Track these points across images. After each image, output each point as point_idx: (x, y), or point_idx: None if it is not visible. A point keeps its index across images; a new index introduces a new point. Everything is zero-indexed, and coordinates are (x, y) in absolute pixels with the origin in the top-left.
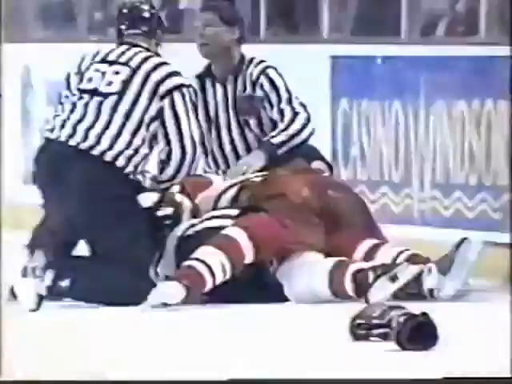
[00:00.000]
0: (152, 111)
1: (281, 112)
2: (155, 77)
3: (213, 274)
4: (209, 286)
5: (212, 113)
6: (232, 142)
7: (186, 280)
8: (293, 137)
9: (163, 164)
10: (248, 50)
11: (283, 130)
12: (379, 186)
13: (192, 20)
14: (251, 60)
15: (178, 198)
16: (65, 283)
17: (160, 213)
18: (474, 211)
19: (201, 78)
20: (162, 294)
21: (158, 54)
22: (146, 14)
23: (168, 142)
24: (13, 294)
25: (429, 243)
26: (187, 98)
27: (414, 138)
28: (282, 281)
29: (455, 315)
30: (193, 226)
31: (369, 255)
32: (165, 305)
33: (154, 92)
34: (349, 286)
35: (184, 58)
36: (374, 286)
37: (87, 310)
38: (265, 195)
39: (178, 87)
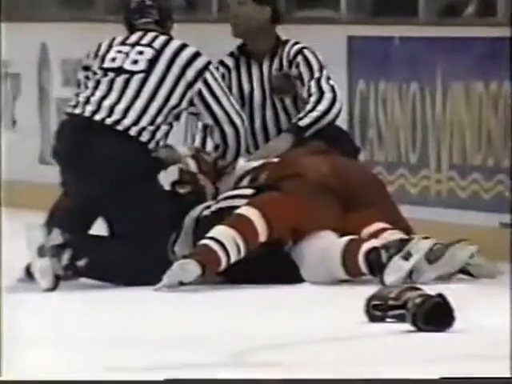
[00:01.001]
0: (178, 94)
1: (308, 90)
2: (180, 60)
3: (227, 253)
4: (223, 264)
5: (246, 92)
6: (264, 122)
7: (201, 258)
8: (319, 118)
9: (222, 147)
10: None
11: (310, 112)
12: (396, 167)
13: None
14: (286, 41)
15: (202, 181)
16: (82, 263)
17: (181, 190)
18: (490, 193)
19: (234, 56)
20: (177, 272)
21: None
22: (153, 3)
23: (217, 123)
24: (28, 274)
25: (445, 224)
26: (217, 75)
27: (431, 119)
28: (296, 261)
29: (475, 303)
30: (209, 207)
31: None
32: (181, 283)
33: (181, 75)
34: (363, 266)
35: (198, 38)
36: (388, 267)
37: (100, 292)
38: (282, 174)
39: (206, 67)
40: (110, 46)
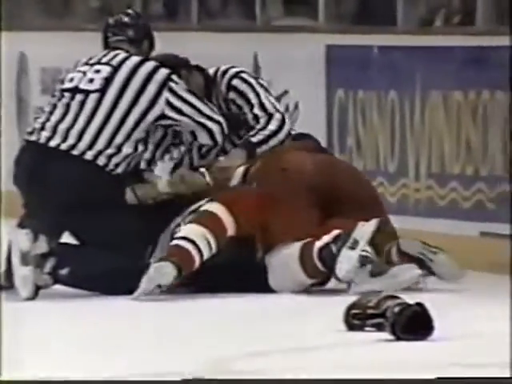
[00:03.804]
0: (138, 113)
1: (255, 117)
2: (139, 77)
3: (200, 251)
4: (197, 263)
5: None
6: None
7: (176, 259)
8: (270, 137)
9: (209, 146)
10: (246, 38)
11: (260, 130)
12: (375, 175)
13: (188, 7)
14: (215, 75)
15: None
16: (64, 271)
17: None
18: (469, 201)
19: None
20: (154, 276)
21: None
22: (130, 21)
23: (199, 123)
24: None
25: (424, 233)
26: (182, 82)
27: (410, 128)
28: (267, 268)
29: (454, 312)
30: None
31: None
32: (159, 287)
33: (140, 93)
34: (318, 264)
35: (178, 47)
36: (337, 261)
37: (81, 301)
38: (268, 169)
39: (168, 77)
40: (74, 68)
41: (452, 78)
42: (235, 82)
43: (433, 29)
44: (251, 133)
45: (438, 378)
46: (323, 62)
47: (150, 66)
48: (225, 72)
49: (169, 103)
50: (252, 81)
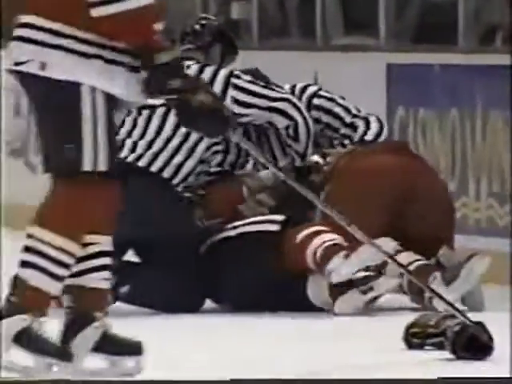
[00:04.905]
0: None
1: (351, 126)
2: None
3: None
4: None
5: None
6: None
7: None
8: (378, 135)
9: (295, 137)
10: (307, 57)
11: (367, 130)
12: None
13: (249, 26)
14: (292, 92)
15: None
16: (124, 289)
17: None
18: None
19: None
20: None
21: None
22: (198, 27)
23: (270, 123)
24: None
25: (484, 252)
26: (245, 76)
27: (471, 146)
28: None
29: None
30: (233, 228)
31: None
32: None
33: None
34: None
35: (240, 66)
36: (341, 297)
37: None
38: (341, 170)
39: (230, 75)
40: None
41: None
42: (317, 101)
43: (493, 47)
44: (359, 133)
45: (439, 378)
46: (384, 80)
47: (209, 70)
48: (303, 90)
49: (236, 101)
50: (333, 96)
